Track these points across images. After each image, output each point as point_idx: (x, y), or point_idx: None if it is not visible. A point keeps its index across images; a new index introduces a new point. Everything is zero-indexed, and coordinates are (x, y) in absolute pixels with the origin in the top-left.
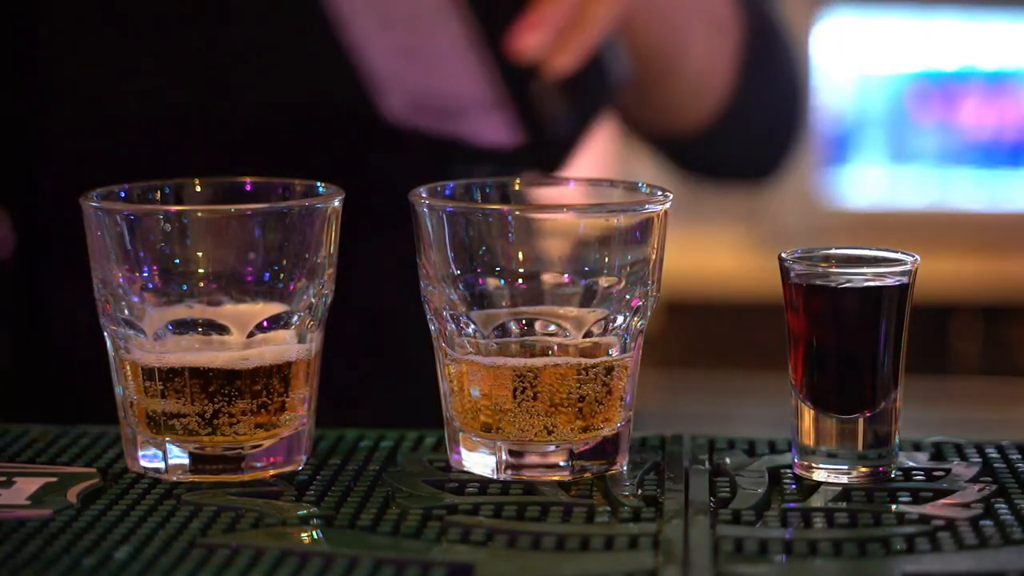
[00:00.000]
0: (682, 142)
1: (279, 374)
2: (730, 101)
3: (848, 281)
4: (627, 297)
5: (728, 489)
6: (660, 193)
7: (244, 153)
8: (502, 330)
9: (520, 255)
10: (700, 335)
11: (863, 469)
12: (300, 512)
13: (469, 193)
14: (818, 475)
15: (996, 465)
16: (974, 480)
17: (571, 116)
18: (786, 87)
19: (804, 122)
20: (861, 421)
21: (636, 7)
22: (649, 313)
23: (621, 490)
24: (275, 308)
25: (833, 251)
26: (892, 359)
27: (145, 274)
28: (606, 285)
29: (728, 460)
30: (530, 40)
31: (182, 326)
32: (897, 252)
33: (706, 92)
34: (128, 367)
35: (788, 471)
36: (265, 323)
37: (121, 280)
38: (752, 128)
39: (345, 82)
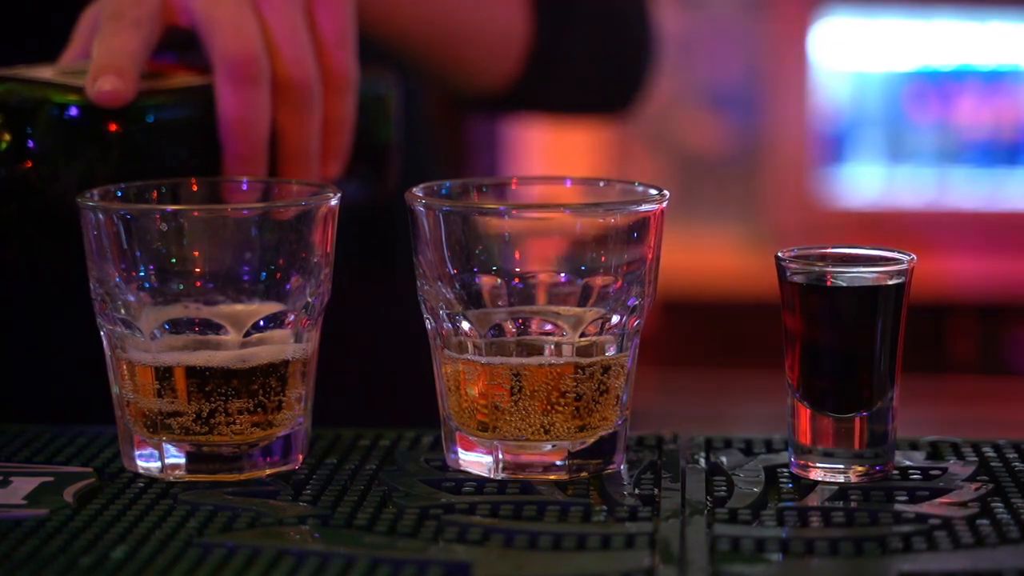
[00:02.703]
0: (498, 95)
1: (276, 373)
2: (533, 50)
3: (845, 280)
4: (624, 296)
5: (725, 488)
6: (657, 192)
7: None
8: (499, 329)
9: (516, 254)
10: (697, 334)
11: (860, 468)
12: (297, 512)
13: (466, 192)
14: (815, 474)
15: (993, 464)
16: (971, 479)
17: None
18: (612, 17)
19: (646, 45)
20: (858, 420)
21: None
22: (646, 312)
23: (618, 489)
24: (272, 307)
25: (830, 250)
26: (889, 358)
27: (141, 273)
28: (603, 284)
29: (724, 459)
30: (106, 84)
31: (178, 325)
32: (893, 251)
33: (496, 49)
34: (124, 366)
35: (785, 470)
36: (262, 322)
37: (117, 279)
38: (582, 63)
39: None
